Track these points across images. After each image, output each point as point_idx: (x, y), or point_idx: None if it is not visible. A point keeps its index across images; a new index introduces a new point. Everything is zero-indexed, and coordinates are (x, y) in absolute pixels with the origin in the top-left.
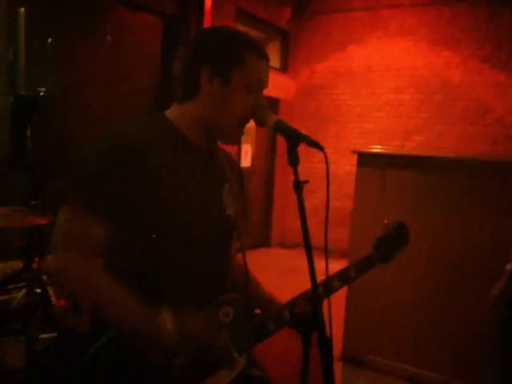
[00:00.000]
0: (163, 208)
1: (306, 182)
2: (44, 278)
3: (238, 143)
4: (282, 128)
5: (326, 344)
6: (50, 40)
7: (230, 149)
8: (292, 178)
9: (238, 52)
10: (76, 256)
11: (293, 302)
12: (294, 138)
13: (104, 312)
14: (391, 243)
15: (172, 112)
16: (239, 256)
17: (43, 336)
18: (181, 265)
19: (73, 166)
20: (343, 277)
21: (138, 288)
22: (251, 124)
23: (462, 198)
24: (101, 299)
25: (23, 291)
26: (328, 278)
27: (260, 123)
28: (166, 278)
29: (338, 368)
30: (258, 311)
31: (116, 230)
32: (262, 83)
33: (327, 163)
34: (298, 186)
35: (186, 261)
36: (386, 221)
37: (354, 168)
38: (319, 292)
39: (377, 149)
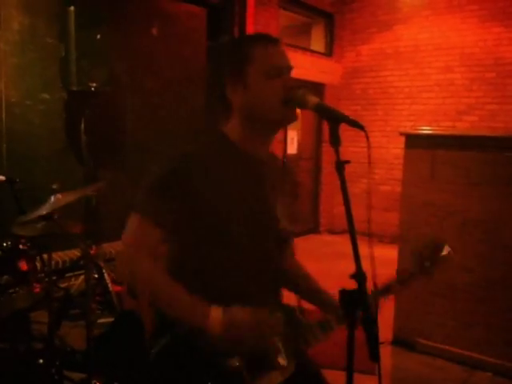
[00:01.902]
0: (221, 219)
1: (348, 161)
2: (101, 265)
3: (294, 120)
4: (322, 109)
5: (371, 323)
6: (99, 36)
7: (276, 136)
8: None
9: (246, 53)
10: (143, 254)
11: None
12: (335, 119)
13: (163, 304)
14: (431, 256)
15: (227, 126)
16: (293, 259)
17: (101, 320)
18: (236, 273)
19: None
20: (386, 290)
21: (198, 292)
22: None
23: None
24: (162, 292)
25: (81, 278)
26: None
27: (300, 104)
28: (221, 285)
29: (388, 351)
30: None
31: (177, 240)
32: (281, 67)
33: (368, 142)
34: (340, 165)
35: (240, 267)
36: (424, 241)
37: (403, 151)
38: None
39: (425, 130)
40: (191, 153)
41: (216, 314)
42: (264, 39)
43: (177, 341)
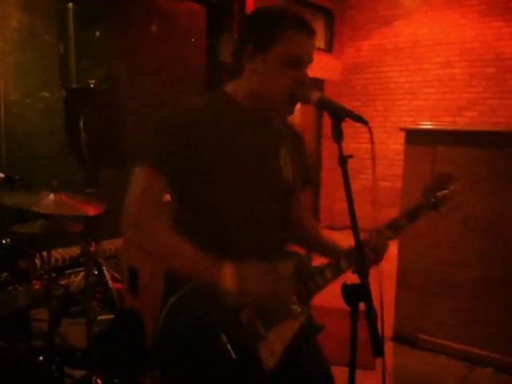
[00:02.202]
0: (222, 170)
1: (351, 156)
2: (101, 262)
3: (291, 114)
4: (325, 104)
5: (372, 314)
6: (97, 33)
7: None
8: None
9: (276, 29)
10: (150, 210)
11: (349, 250)
12: (338, 114)
13: (172, 260)
14: (439, 191)
15: (229, 86)
16: (305, 213)
17: (101, 317)
18: (240, 223)
19: (141, 132)
20: (394, 226)
21: (201, 246)
22: (297, 106)
23: None
24: (170, 250)
25: (81, 275)
26: (380, 227)
27: (303, 100)
28: (226, 237)
29: (389, 348)
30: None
31: (181, 191)
32: (303, 59)
33: (372, 137)
34: (343, 160)
35: (245, 219)
36: (438, 175)
37: (403, 147)
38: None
39: (426, 125)
40: (192, 103)
41: (228, 268)
42: (302, 25)
43: (187, 297)
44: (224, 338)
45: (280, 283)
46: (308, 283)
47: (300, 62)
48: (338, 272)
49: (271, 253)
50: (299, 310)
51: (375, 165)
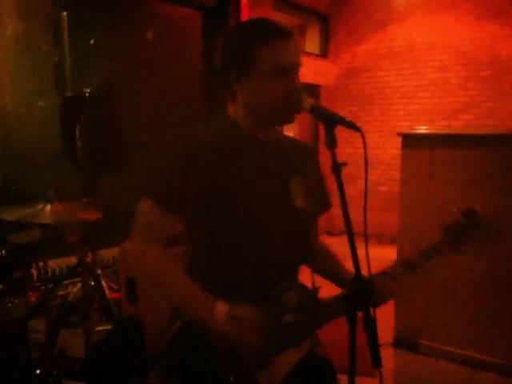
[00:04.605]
0: (233, 204)
1: (344, 164)
2: (98, 272)
3: (291, 122)
4: (318, 111)
5: (371, 325)
6: (92, 40)
7: None
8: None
9: (251, 50)
10: (152, 246)
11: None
12: (331, 120)
13: (166, 292)
14: (460, 230)
15: (231, 110)
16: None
17: (99, 328)
18: (249, 254)
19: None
20: (407, 264)
21: (208, 277)
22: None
23: None
24: (166, 281)
25: (78, 286)
26: (391, 266)
27: (296, 108)
28: (233, 268)
29: (390, 353)
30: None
31: (188, 225)
32: (289, 65)
33: (364, 143)
34: (337, 168)
35: (252, 250)
36: (455, 209)
37: (400, 151)
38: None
39: (422, 129)
40: (198, 134)
41: (222, 308)
42: (274, 35)
43: (190, 322)
44: (229, 374)
45: (282, 314)
46: (312, 314)
47: (287, 68)
48: (341, 306)
49: (278, 283)
50: (303, 339)
51: (368, 170)
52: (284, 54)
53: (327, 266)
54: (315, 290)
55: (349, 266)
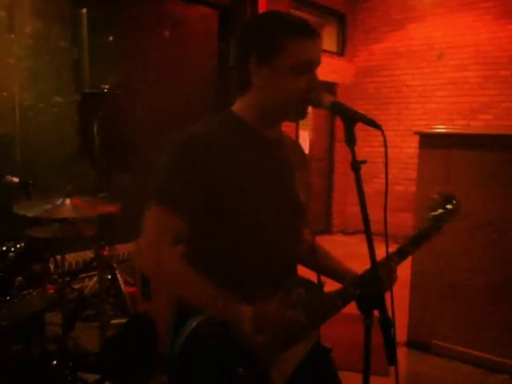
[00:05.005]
0: (241, 201)
1: (364, 161)
2: (114, 266)
3: (304, 118)
4: (338, 108)
5: (387, 323)
6: (111, 38)
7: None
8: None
9: (279, 38)
10: (167, 246)
11: (359, 278)
12: (351, 118)
13: (190, 298)
14: (442, 213)
15: (237, 106)
16: (309, 237)
17: (114, 321)
18: (255, 251)
19: (149, 165)
20: (402, 253)
21: (215, 274)
22: (309, 110)
23: None
24: (191, 290)
25: (94, 279)
26: (388, 255)
27: (315, 104)
28: (241, 264)
29: (403, 353)
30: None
31: (195, 223)
32: (312, 63)
33: (385, 141)
34: (356, 165)
35: (260, 247)
36: (435, 195)
37: (417, 150)
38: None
39: (440, 129)
40: (200, 132)
41: (247, 312)
42: (302, 32)
43: (206, 323)
44: (240, 370)
45: (293, 309)
46: (319, 309)
47: (309, 66)
48: (347, 300)
49: (285, 279)
50: (311, 333)
51: (387, 167)
52: (311, 52)
53: (327, 263)
54: (321, 285)
55: (349, 264)
